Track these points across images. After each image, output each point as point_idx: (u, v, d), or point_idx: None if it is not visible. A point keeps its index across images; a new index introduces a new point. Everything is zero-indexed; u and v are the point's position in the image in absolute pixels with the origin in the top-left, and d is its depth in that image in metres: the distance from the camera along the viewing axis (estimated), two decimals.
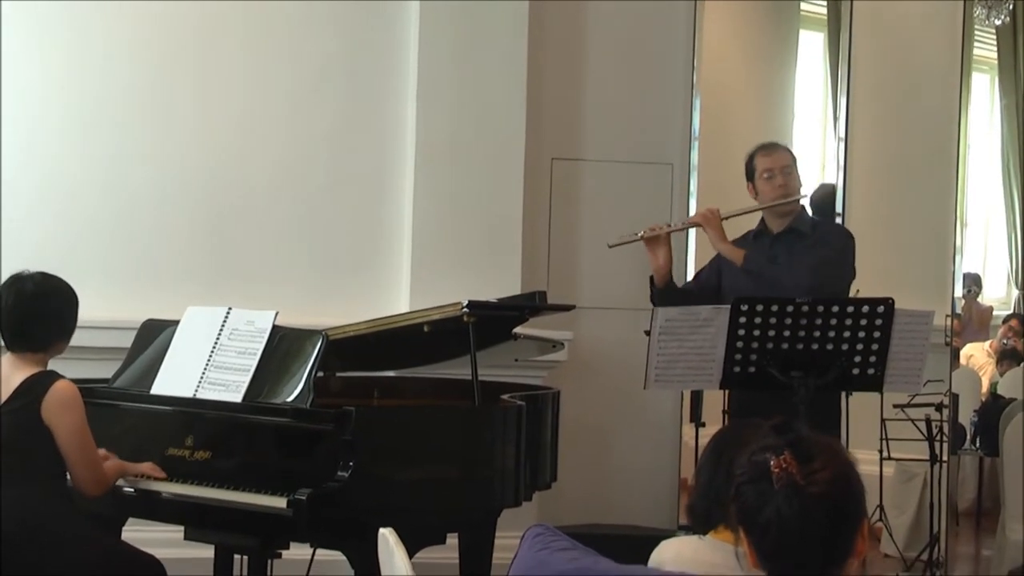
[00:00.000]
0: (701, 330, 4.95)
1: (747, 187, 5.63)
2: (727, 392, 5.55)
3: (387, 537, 3.26)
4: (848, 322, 4.87)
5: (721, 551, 3.12)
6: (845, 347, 4.89)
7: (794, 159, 5.65)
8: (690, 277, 6.19)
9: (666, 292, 5.50)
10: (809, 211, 5.90)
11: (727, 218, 5.61)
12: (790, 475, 2.34)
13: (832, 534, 2.37)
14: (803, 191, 5.69)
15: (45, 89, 6.23)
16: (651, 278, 5.59)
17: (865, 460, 6.83)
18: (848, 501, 2.39)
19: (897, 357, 4.93)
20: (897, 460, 7.23)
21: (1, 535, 4.26)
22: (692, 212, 6.72)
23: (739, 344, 4.90)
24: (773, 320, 4.86)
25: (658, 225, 5.61)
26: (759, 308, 4.87)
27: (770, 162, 5.57)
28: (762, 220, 5.67)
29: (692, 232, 6.59)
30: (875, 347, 4.90)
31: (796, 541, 2.35)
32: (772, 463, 2.36)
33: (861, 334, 4.88)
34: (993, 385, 7.58)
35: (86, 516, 4.54)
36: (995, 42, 7.81)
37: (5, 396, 4.43)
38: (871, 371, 4.94)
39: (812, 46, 7.76)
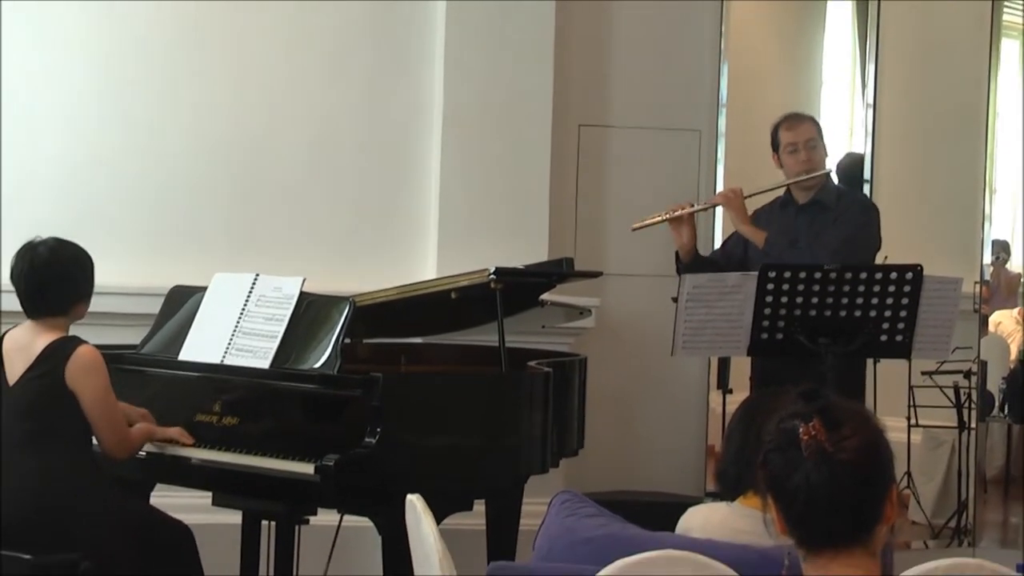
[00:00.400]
0: (729, 297, 4.94)
1: (772, 157, 5.61)
2: (752, 360, 5.55)
3: (415, 503, 3.27)
4: (876, 289, 4.85)
5: (749, 518, 3.12)
6: (873, 314, 4.86)
7: (819, 131, 5.60)
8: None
9: (692, 265, 5.47)
10: (835, 179, 5.87)
11: (749, 197, 5.59)
12: (819, 442, 2.34)
13: (861, 501, 2.36)
14: (828, 163, 5.66)
15: (81, 58, 6.21)
16: (676, 253, 5.58)
17: (893, 427, 6.81)
18: (877, 468, 2.39)
19: (925, 324, 4.91)
20: (925, 427, 7.21)
21: (29, 503, 4.30)
22: (720, 179, 6.71)
23: (767, 311, 4.88)
24: (801, 287, 4.84)
25: (679, 206, 5.56)
26: (787, 275, 4.86)
27: (794, 136, 5.53)
28: (788, 190, 5.64)
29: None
30: (903, 314, 4.87)
31: (825, 508, 2.35)
32: (801, 430, 2.35)
33: (889, 301, 4.86)
34: (1022, 352, 7.54)
35: (113, 480, 4.57)
36: None
37: (29, 362, 4.45)
38: (899, 338, 4.91)
39: (840, 12, 7.70)
